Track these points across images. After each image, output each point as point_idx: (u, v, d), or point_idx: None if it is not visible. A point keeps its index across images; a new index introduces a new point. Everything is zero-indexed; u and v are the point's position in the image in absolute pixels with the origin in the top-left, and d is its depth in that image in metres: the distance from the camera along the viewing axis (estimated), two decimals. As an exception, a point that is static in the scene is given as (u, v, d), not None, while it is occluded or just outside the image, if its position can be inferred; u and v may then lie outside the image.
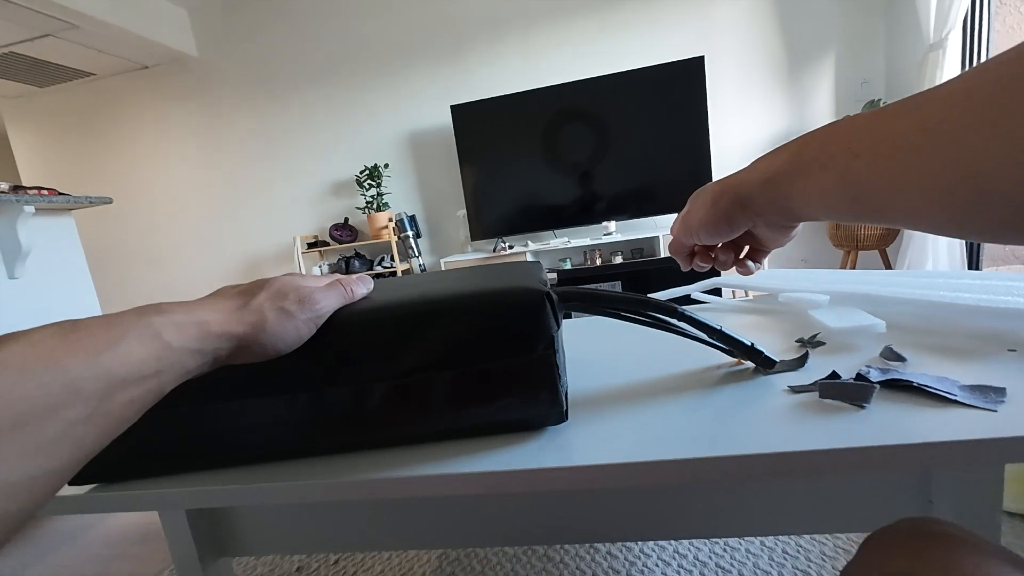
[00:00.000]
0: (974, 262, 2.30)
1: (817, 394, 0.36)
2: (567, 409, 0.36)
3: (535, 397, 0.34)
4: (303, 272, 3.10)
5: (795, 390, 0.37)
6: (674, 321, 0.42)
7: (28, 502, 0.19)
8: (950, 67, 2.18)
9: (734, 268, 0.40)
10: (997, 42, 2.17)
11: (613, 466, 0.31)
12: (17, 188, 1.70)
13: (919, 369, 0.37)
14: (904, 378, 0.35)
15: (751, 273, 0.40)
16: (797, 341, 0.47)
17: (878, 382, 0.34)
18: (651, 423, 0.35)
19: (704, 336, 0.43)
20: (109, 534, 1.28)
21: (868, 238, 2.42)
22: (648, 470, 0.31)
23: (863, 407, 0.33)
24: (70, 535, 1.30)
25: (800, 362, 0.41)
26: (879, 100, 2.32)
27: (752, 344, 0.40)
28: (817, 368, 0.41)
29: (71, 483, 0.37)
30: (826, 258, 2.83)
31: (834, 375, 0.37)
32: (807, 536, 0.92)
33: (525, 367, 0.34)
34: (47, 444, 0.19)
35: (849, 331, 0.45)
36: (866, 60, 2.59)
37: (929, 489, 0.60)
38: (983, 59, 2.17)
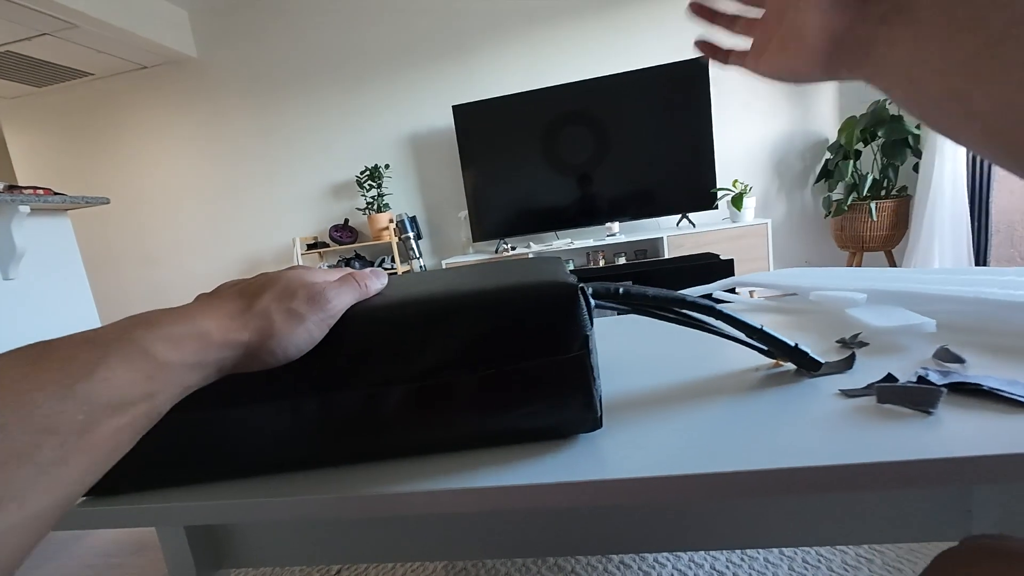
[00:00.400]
0: (981, 263, 2.28)
1: (873, 399, 0.33)
2: (601, 415, 0.33)
3: (568, 402, 0.31)
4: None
5: (847, 394, 0.34)
6: (709, 320, 0.40)
7: (2, 558, 0.16)
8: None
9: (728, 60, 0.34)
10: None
11: (657, 479, 0.28)
12: (12, 188, 1.66)
13: (981, 371, 0.35)
14: (971, 381, 0.32)
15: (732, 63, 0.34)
16: (838, 342, 0.44)
17: (943, 385, 0.31)
18: (693, 430, 0.32)
19: (741, 336, 0.40)
20: (103, 544, 1.24)
21: (874, 239, 2.40)
22: (698, 484, 0.27)
23: (930, 413, 0.30)
24: (62, 545, 1.26)
25: (847, 363, 0.38)
26: (884, 100, 2.30)
27: (796, 345, 0.37)
28: (866, 371, 0.38)
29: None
30: (830, 260, 2.81)
31: (890, 378, 0.34)
32: (828, 545, 0.89)
33: (558, 368, 0.31)
34: (16, 493, 0.16)
35: (895, 331, 0.42)
36: (870, 61, 2.57)
37: (970, 500, 0.57)
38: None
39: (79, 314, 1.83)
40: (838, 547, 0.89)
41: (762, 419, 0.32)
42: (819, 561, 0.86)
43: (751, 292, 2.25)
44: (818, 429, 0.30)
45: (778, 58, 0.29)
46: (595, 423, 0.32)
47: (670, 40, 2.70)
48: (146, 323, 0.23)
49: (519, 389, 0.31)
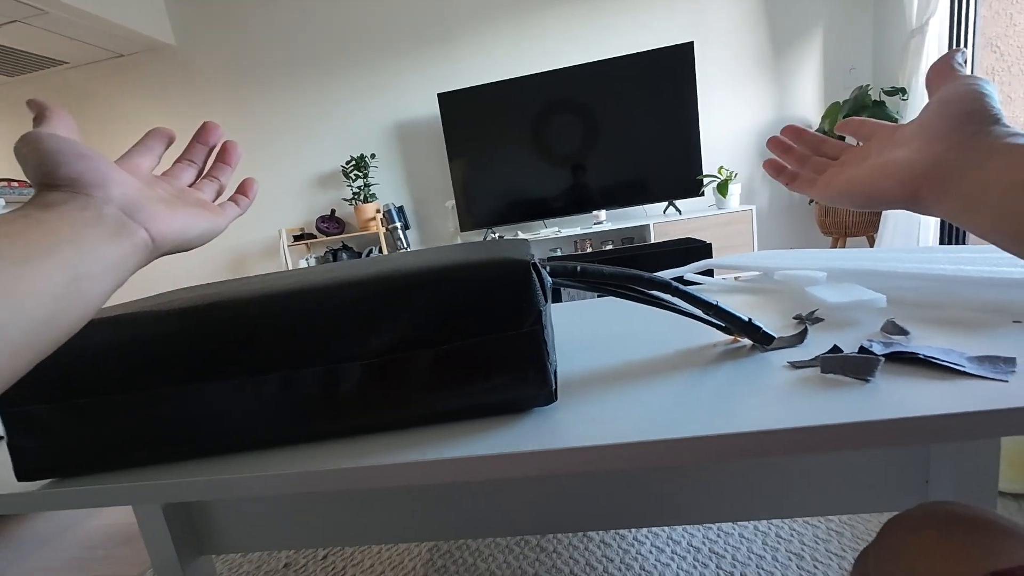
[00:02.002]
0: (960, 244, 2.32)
1: (819, 369, 0.34)
2: (556, 389, 0.33)
3: (522, 376, 0.32)
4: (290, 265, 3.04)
5: (795, 366, 0.35)
6: (668, 297, 0.40)
7: None
8: (932, 54, 2.18)
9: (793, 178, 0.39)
10: (984, 28, 2.17)
11: (606, 447, 0.29)
12: (-15, 180, 1.63)
13: (923, 342, 0.36)
14: (909, 350, 0.33)
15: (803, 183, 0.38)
16: (795, 318, 0.45)
17: (882, 355, 0.33)
18: (645, 403, 0.33)
19: (699, 313, 0.41)
20: (89, 535, 1.24)
21: (856, 225, 2.44)
22: (643, 451, 0.28)
23: (868, 381, 0.31)
24: (47, 537, 1.26)
25: (799, 338, 0.40)
26: (867, 86, 2.32)
27: (749, 319, 0.39)
28: (817, 344, 0.39)
29: (21, 479, 0.34)
30: (814, 246, 2.84)
31: (835, 349, 0.36)
32: (800, 519, 0.92)
33: (511, 343, 0.31)
34: None
35: (848, 306, 0.43)
36: (854, 46, 2.59)
37: (927, 470, 0.59)
38: (969, 44, 2.17)
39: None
40: (810, 522, 0.92)
41: (712, 391, 0.33)
42: (792, 535, 0.89)
43: (736, 277, 2.28)
44: (763, 398, 0.31)
45: (862, 184, 0.32)
46: (549, 397, 0.33)
47: (655, 26, 2.68)
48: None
49: (474, 364, 0.32)
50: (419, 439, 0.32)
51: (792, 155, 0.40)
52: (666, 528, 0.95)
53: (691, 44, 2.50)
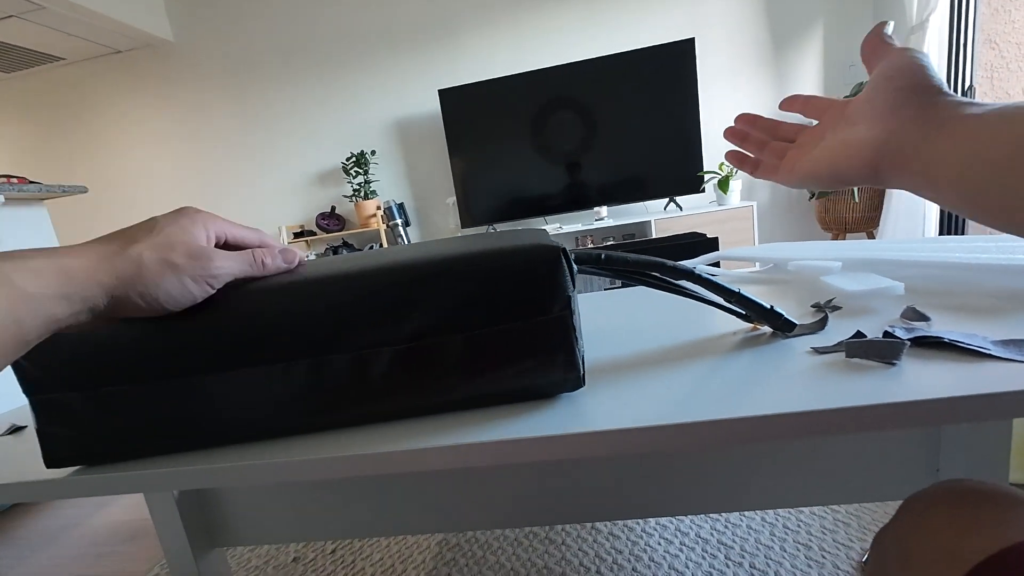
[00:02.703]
0: (958, 243, 2.33)
1: (843, 355, 0.34)
2: (584, 375, 0.34)
3: (551, 361, 0.32)
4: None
5: (819, 351, 0.36)
6: (690, 285, 0.41)
7: None
8: (932, 51, 2.19)
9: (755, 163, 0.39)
10: (983, 25, 2.18)
11: (637, 430, 0.29)
12: (-16, 176, 1.62)
13: (944, 328, 0.36)
14: (933, 335, 0.33)
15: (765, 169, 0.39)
16: (813, 306, 0.46)
17: (908, 339, 0.33)
18: (670, 388, 0.33)
19: (720, 300, 0.41)
20: (95, 532, 1.24)
21: (856, 221, 2.45)
22: (672, 433, 0.29)
23: (893, 364, 0.31)
24: (53, 534, 1.26)
25: (820, 325, 0.40)
26: (866, 83, 2.32)
27: (771, 307, 0.39)
28: (838, 331, 0.39)
29: (50, 466, 0.34)
30: (815, 240, 2.86)
31: (859, 335, 0.36)
32: (807, 511, 0.93)
33: (541, 329, 0.31)
34: None
35: (866, 294, 0.43)
36: (854, 43, 2.60)
37: (937, 459, 0.60)
38: (968, 41, 2.19)
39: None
40: (816, 513, 0.92)
41: (737, 375, 0.34)
42: (799, 526, 0.90)
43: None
44: (790, 382, 0.32)
45: (824, 165, 0.33)
46: (577, 382, 0.33)
47: (657, 21, 2.68)
48: (10, 257, 0.24)
49: (504, 350, 0.32)
50: (448, 424, 0.32)
51: (750, 143, 0.40)
52: (674, 520, 0.96)
53: (692, 40, 2.50)
